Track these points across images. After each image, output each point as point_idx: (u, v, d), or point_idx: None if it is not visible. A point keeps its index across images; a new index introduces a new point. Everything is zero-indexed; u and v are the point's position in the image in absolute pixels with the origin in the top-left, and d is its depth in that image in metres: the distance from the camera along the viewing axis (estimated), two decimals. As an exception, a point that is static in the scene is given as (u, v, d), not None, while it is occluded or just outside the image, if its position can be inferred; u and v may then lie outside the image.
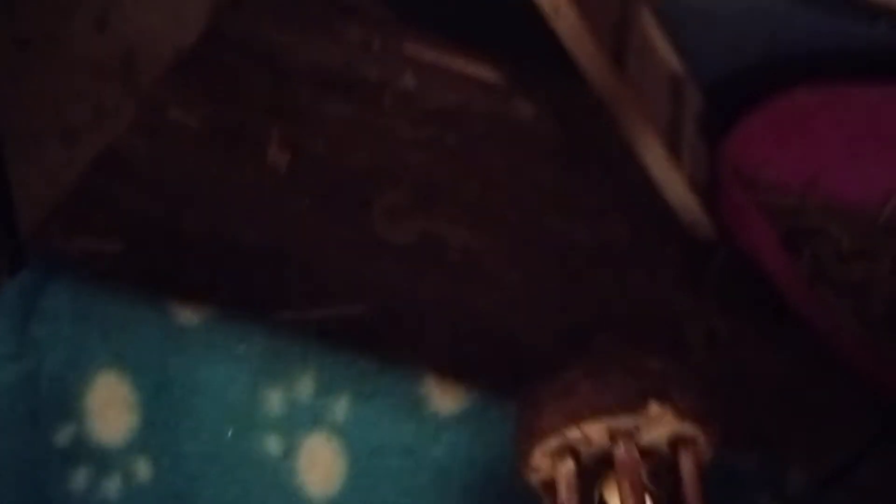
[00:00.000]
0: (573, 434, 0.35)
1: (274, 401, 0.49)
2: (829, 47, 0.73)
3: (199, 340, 0.49)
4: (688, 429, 0.36)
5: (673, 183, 0.65)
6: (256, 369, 0.49)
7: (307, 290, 0.63)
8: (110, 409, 0.49)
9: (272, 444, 0.50)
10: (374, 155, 0.73)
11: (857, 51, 0.73)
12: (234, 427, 0.49)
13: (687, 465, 0.36)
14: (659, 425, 0.36)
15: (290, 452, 0.49)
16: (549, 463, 0.36)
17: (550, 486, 0.36)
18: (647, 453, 0.36)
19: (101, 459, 0.49)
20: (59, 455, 0.48)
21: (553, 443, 0.36)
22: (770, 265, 0.64)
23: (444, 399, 0.51)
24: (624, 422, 0.35)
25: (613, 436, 0.35)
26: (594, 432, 0.35)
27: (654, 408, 0.35)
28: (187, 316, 0.50)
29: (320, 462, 0.50)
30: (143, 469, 0.49)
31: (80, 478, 0.49)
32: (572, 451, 0.36)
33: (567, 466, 0.36)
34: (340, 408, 0.49)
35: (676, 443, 0.36)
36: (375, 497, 0.49)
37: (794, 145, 0.69)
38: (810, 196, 0.72)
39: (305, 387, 0.50)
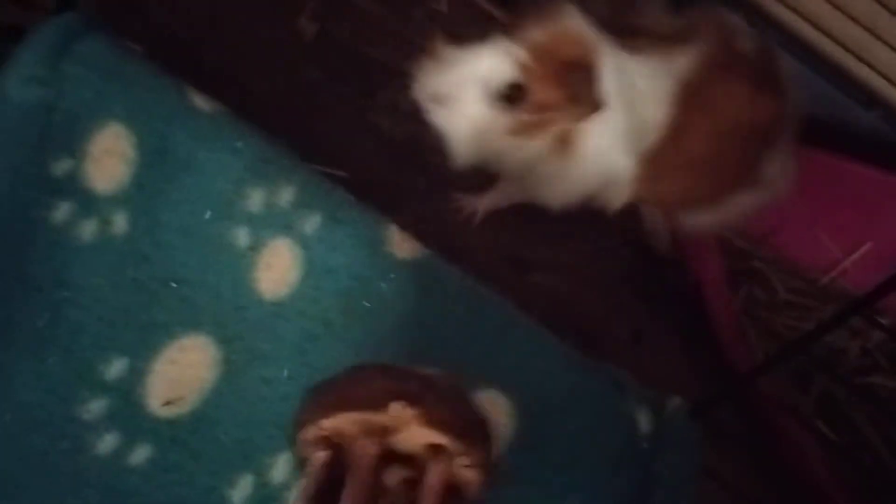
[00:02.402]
0: (325, 425, 0.37)
1: (255, 198, 0.54)
2: (825, 117, 0.79)
3: (205, 125, 0.54)
4: (440, 439, 0.37)
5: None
6: (247, 167, 0.54)
7: (301, 147, 0.68)
8: (109, 157, 0.53)
9: (242, 236, 0.54)
10: (390, 56, 0.78)
11: (850, 129, 0.80)
12: (213, 211, 0.54)
13: (434, 475, 0.36)
14: (411, 431, 0.37)
15: (255, 247, 0.54)
16: (309, 450, 0.38)
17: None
18: (403, 458, 0.37)
19: (86, 201, 0.53)
20: (51, 183, 0.52)
21: (310, 432, 0.38)
22: (710, 292, 0.72)
23: (402, 246, 0.56)
24: (371, 418, 0.36)
25: (364, 431, 0.37)
26: (344, 425, 0.37)
27: (396, 407, 0.36)
28: (200, 102, 0.54)
29: (279, 265, 0.54)
30: (119, 222, 0.54)
31: (62, 210, 0.53)
32: (327, 441, 0.38)
33: (317, 456, 0.38)
34: (311, 223, 0.54)
35: (431, 451, 0.37)
36: (316, 309, 0.54)
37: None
38: (764, 246, 0.79)
39: (286, 195, 0.54)
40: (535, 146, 0.58)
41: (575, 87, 0.56)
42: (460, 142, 0.57)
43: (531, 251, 0.73)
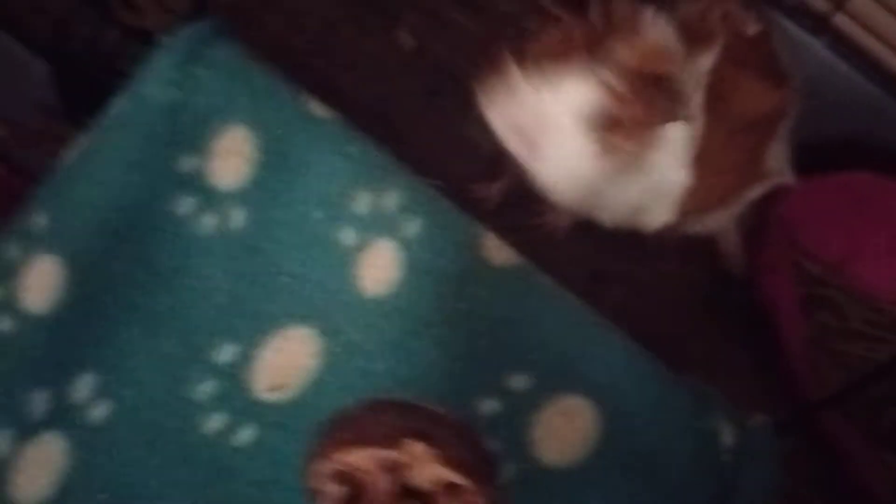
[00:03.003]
0: (340, 460, 0.39)
1: (362, 201, 0.58)
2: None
3: (321, 130, 0.58)
4: (451, 475, 0.38)
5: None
6: (357, 171, 0.57)
7: (397, 156, 0.72)
8: (231, 157, 0.57)
9: (348, 236, 0.58)
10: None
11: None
12: (323, 211, 0.57)
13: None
14: (423, 466, 0.38)
15: (360, 247, 0.57)
16: (322, 483, 0.40)
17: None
18: (416, 493, 0.39)
19: (208, 196, 0.57)
20: (178, 178, 0.56)
21: (324, 466, 0.39)
22: (782, 317, 0.71)
23: (497, 253, 0.59)
24: (386, 455, 0.38)
25: (379, 466, 0.38)
26: (359, 461, 0.39)
27: (410, 445, 0.38)
28: (317, 109, 0.58)
29: (381, 264, 0.57)
30: (237, 218, 0.57)
31: (186, 204, 0.57)
32: (342, 475, 0.39)
33: (331, 489, 0.39)
34: (414, 227, 0.57)
35: (444, 489, 0.39)
36: (414, 308, 0.57)
37: (840, 223, 0.73)
38: (837, 274, 0.79)
39: (392, 199, 0.58)
40: (630, 163, 0.57)
41: (664, 103, 0.54)
42: (558, 180, 0.56)
43: (610, 266, 0.75)
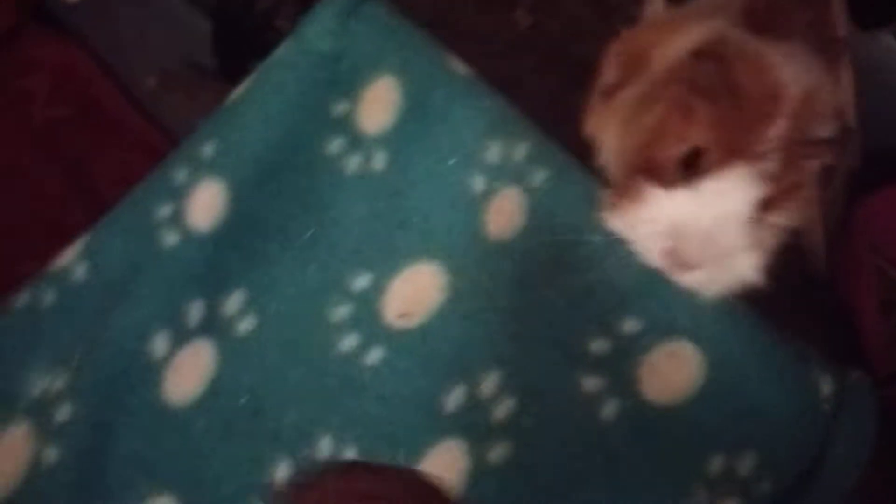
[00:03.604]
0: None
1: (493, 151, 0.63)
2: None
3: (459, 84, 0.63)
4: None
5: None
6: (491, 123, 0.63)
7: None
8: (378, 104, 0.63)
9: (478, 183, 0.63)
10: (593, 54, 0.86)
11: None
12: (457, 159, 0.63)
13: None
14: None
15: (488, 194, 0.63)
16: None
17: None
18: None
19: (355, 139, 0.63)
20: (329, 120, 0.63)
21: None
22: (864, 320, 0.73)
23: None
24: None
25: None
26: None
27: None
28: (457, 65, 0.64)
29: (506, 211, 0.62)
30: (379, 160, 0.63)
31: (335, 144, 0.63)
32: None
33: None
34: (540, 177, 0.62)
35: None
36: (533, 254, 0.61)
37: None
38: None
39: (521, 150, 0.63)
40: None
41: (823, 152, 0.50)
42: (715, 285, 0.52)
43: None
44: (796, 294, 0.78)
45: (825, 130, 0.50)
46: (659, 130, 0.51)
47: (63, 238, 0.66)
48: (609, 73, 0.59)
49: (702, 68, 0.49)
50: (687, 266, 0.50)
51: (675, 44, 0.53)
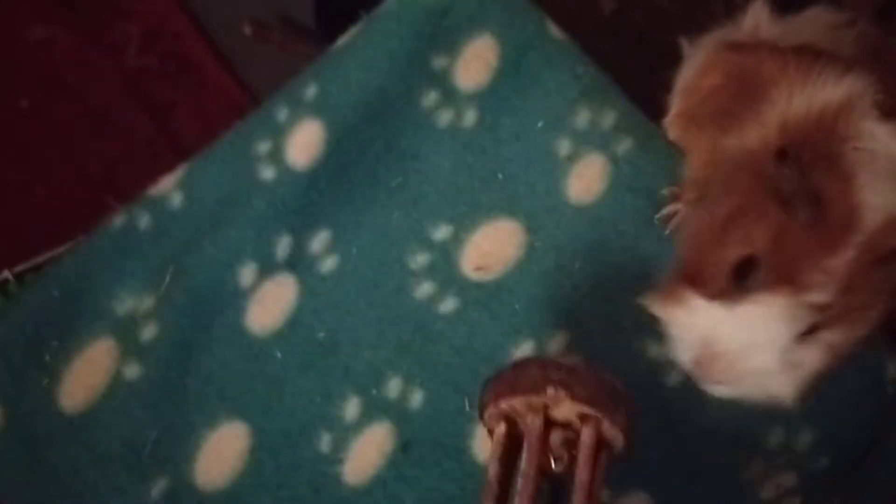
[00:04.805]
0: (501, 406, 0.49)
1: (582, 117, 0.65)
2: None
3: (556, 50, 0.65)
4: (587, 409, 0.48)
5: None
6: (582, 90, 0.64)
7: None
8: (476, 62, 0.65)
9: (563, 147, 0.65)
10: (674, 43, 0.88)
11: None
12: (545, 122, 0.65)
13: (586, 436, 0.48)
14: (565, 405, 0.48)
15: (572, 158, 0.64)
16: (493, 423, 0.50)
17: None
18: (560, 425, 0.49)
19: (449, 93, 0.65)
20: (429, 73, 0.65)
21: (491, 411, 0.50)
22: None
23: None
24: (534, 399, 0.48)
25: (530, 409, 0.49)
26: (515, 405, 0.49)
27: (550, 391, 0.47)
28: (555, 31, 0.66)
29: (589, 176, 0.64)
30: (470, 117, 0.65)
31: (430, 97, 0.65)
32: (507, 417, 0.50)
33: (499, 429, 0.50)
34: (624, 146, 0.64)
35: (582, 420, 0.48)
36: (612, 219, 0.63)
37: None
38: None
39: (608, 118, 0.64)
40: None
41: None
42: (749, 395, 0.50)
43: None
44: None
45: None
46: (724, 226, 0.49)
47: (152, 178, 0.68)
48: (709, 78, 0.57)
49: (785, 173, 0.46)
50: (712, 380, 0.50)
51: (802, 96, 0.49)
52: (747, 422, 0.59)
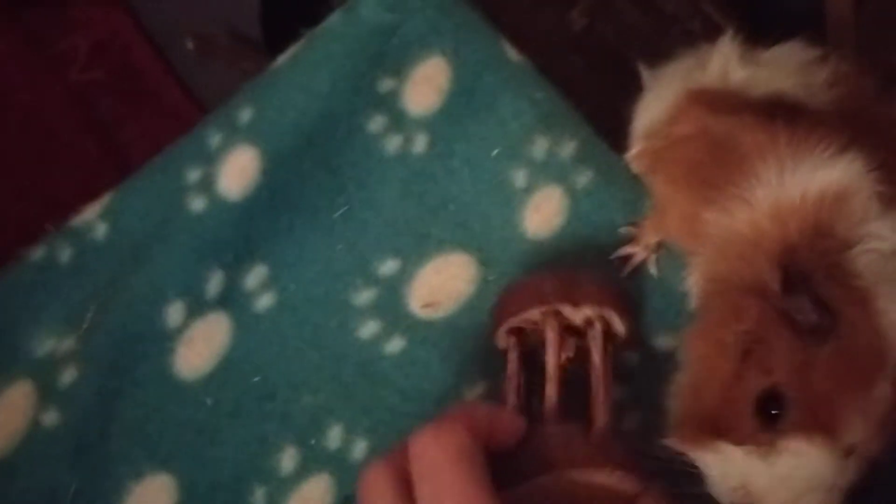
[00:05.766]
0: (514, 322, 0.52)
1: (539, 146, 0.60)
2: None
3: (512, 73, 0.61)
4: (596, 311, 0.51)
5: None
6: (540, 116, 0.60)
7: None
8: (426, 85, 0.60)
9: (520, 177, 0.60)
10: (645, 61, 0.84)
11: None
12: (501, 150, 0.60)
13: (597, 330, 0.52)
14: (577, 311, 0.52)
15: (529, 189, 0.60)
16: (506, 337, 0.53)
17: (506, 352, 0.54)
18: (573, 329, 0.53)
19: (397, 118, 0.61)
20: (375, 96, 0.60)
21: (504, 327, 0.53)
22: None
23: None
24: (547, 307, 0.52)
25: (545, 315, 0.52)
26: (530, 315, 0.52)
27: (558, 301, 0.52)
28: (511, 53, 0.61)
29: (546, 209, 0.59)
30: (420, 143, 0.61)
31: (377, 122, 0.61)
32: (518, 330, 0.53)
33: (512, 342, 0.53)
34: (584, 178, 0.60)
35: (592, 321, 0.52)
36: (572, 255, 0.59)
37: None
38: None
39: (567, 148, 0.60)
40: None
41: None
42: None
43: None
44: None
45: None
46: (738, 357, 0.44)
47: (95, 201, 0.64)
48: (680, 127, 0.51)
49: (797, 304, 0.42)
50: None
51: (795, 178, 0.44)
52: None
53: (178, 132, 0.66)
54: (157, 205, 0.60)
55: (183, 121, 0.88)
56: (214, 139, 0.61)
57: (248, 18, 0.77)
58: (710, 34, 0.87)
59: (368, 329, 0.59)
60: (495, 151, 0.60)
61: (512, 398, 0.52)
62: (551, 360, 0.51)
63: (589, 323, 0.53)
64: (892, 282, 0.43)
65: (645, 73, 0.60)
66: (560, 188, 0.60)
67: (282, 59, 0.61)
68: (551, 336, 0.52)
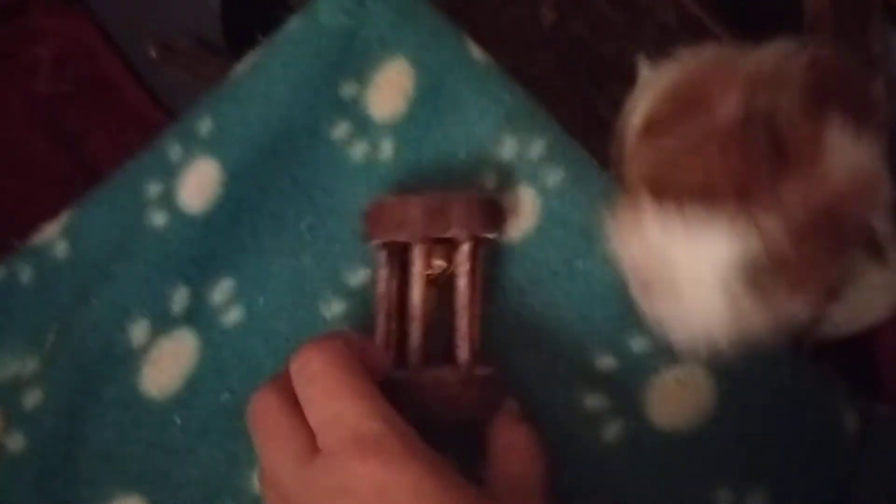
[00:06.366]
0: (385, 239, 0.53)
1: (507, 147, 0.59)
2: None
3: (478, 73, 0.59)
4: (465, 232, 0.52)
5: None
6: (507, 116, 0.58)
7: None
8: (390, 89, 0.59)
9: (490, 179, 0.59)
10: (618, 55, 0.82)
11: None
12: (468, 153, 0.59)
13: (462, 257, 0.53)
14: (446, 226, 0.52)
15: (500, 191, 0.58)
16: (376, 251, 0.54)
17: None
18: (446, 242, 0.53)
19: (362, 124, 0.59)
20: (338, 102, 0.59)
21: (376, 240, 0.53)
22: (882, 339, 0.65)
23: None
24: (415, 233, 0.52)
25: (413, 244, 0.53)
26: (400, 238, 0.53)
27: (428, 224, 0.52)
28: (476, 53, 0.60)
29: (518, 211, 0.58)
30: (386, 148, 0.59)
31: (341, 129, 0.59)
32: (392, 244, 0.54)
33: (382, 256, 0.54)
34: (555, 177, 0.58)
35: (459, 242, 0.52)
36: (543, 256, 0.57)
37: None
38: None
39: (536, 148, 0.59)
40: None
41: (846, 248, 0.43)
42: (686, 333, 0.47)
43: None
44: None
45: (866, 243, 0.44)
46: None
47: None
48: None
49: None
50: (656, 297, 0.47)
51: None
52: (693, 482, 0.54)
53: (147, 141, 0.64)
54: (118, 221, 0.58)
55: (151, 129, 0.87)
56: (174, 152, 0.59)
57: (212, 24, 0.76)
58: (686, 27, 0.87)
59: None
60: (463, 154, 0.59)
61: (381, 325, 0.53)
62: (416, 297, 0.52)
63: (454, 245, 0.53)
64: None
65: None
66: (531, 188, 0.58)
67: (240, 67, 0.60)
68: (417, 269, 0.53)
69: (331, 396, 0.46)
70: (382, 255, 0.55)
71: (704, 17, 0.87)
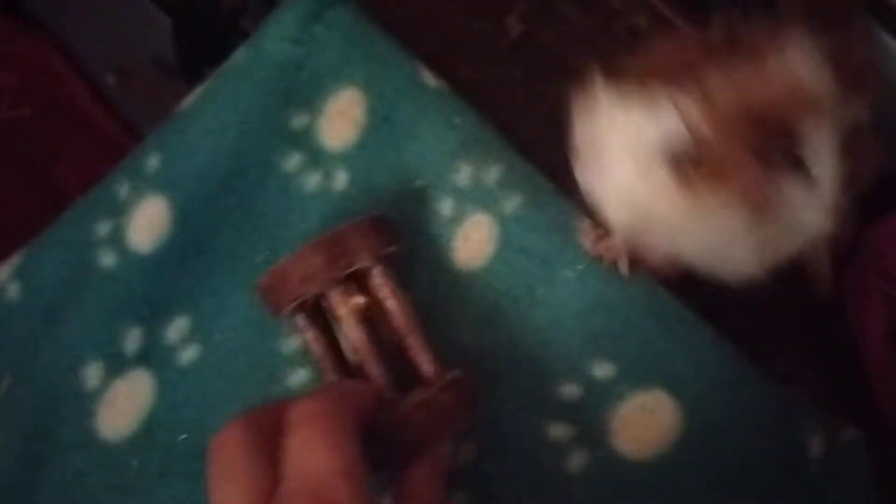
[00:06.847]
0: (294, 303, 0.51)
1: (463, 173, 0.58)
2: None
3: (430, 99, 0.58)
4: (370, 261, 0.52)
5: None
6: (462, 142, 0.58)
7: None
8: (341, 118, 0.57)
9: (446, 207, 0.58)
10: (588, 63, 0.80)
11: None
12: (424, 180, 0.58)
13: (378, 283, 0.52)
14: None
15: (457, 219, 0.57)
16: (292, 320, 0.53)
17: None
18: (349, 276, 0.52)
19: (315, 155, 0.58)
20: (288, 134, 0.57)
21: (285, 311, 0.52)
22: (870, 346, 0.67)
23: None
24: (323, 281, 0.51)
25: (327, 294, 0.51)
26: (308, 296, 0.51)
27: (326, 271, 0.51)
28: (428, 78, 0.59)
29: (476, 238, 0.57)
30: (340, 178, 0.58)
31: (293, 160, 0.58)
32: (303, 304, 0.52)
33: (300, 321, 0.53)
34: (512, 204, 0.57)
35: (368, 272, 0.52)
36: (503, 285, 0.56)
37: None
38: None
39: (493, 174, 0.57)
40: (713, 209, 0.46)
41: (768, 153, 0.43)
42: (611, 207, 0.48)
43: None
44: (796, 320, 0.73)
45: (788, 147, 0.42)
46: None
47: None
48: None
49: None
50: (585, 155, 0.48)
51: None
52: None
53: (114, 164, 0.63)
54: (69, 262, 0.57)
55: (119, 152, 0.86)
56: (123, 189, 0.58)
57: (167, 47, 0.75)
58: (657, 29, 0.85)
59: (299, 377, 0.56)
60: (418, 182, 0.58)
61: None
62: (356, 338, 0.51)
63: (365, 274, 0.52)
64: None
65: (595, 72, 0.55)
66: (488, 215, 0.57)
67: (187, 101, 0.58)
68: (342, 312, 0.51)
69: (310, 446, 0.43)
70: (300, 320, 0.53)
71: (676, 19, 0.86)
